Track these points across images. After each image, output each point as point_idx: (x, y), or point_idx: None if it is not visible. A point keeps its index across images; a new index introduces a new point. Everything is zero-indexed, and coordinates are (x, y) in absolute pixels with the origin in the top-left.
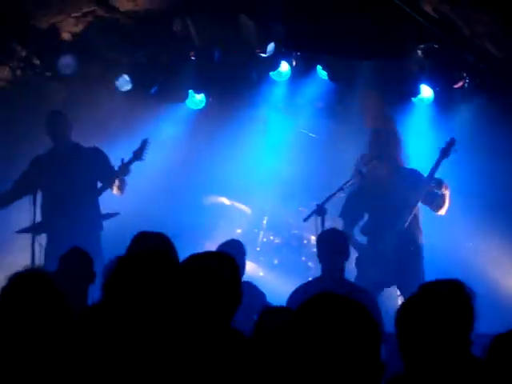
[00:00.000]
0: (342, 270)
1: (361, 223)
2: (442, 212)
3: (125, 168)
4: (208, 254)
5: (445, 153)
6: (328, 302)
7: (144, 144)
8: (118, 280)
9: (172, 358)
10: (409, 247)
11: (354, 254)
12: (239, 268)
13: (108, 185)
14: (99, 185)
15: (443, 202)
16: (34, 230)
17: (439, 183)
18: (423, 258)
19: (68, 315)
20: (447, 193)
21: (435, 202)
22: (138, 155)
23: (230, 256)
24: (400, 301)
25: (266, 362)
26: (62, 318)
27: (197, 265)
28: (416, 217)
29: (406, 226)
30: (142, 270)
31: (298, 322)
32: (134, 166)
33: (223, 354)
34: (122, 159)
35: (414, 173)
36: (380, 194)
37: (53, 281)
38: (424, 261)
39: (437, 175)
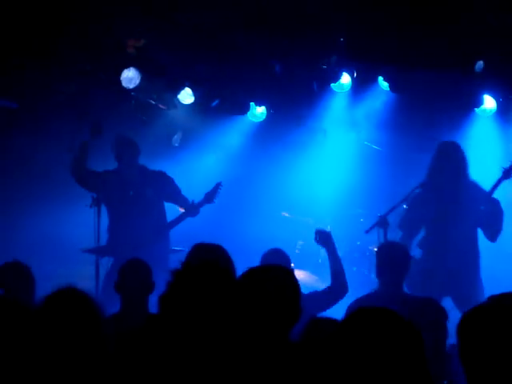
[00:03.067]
0: (401, 284)
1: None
2: (495, 238)
3: (194, 209)
4: (268, 269)
5: (507, 173)
6: (366, 318)
7: (216, 187)
8: (173, 293)
9: (229, 373)
10: (467, 260)
11: None
12: (298, 283)
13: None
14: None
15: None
16: (99, 251)
17: (495, 204)
18: (480, 270)
19: (99, 336)
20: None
21: (490, 225)
22: (209, 198)
23: (290, 270)
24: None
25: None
26: (93, 338)
27: (257, 279)
28: (475, 229)
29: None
30: (198, 283)
31: (337, 337)
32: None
33: (280, 369)
34: (193, 200)
35: (475, 186)
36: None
37: (89, 301)
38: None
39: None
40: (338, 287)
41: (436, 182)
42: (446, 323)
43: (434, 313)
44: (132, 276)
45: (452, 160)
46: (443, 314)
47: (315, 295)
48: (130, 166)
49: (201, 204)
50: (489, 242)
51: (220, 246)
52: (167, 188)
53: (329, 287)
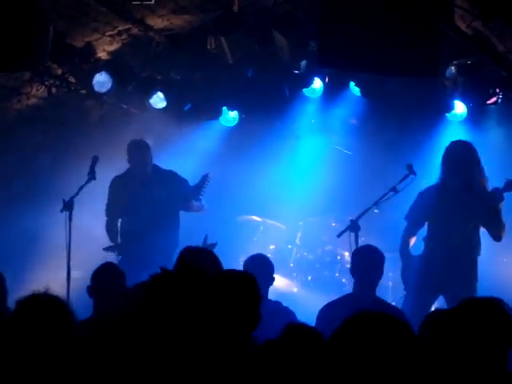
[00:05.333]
0: (374, 288)
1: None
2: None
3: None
4: (231, 275)
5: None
6: (372, 322)
7: (204, 180)
8: (149, 298)
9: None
10: (465, 258)
11: None
12: (257, 286)
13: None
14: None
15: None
16: (116, 249)
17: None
18: (476, 272)
19: (72, 341)
20: None
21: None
22: (197, 191)
23: (250, 276)
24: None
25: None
26: (66, 342)
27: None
28: (477, 229)
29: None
30: (175, 289)
31: (342, 341)
32: None
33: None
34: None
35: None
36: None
37: (63, 306)
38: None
39: None
40: None
41: (441, 181)
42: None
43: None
44: (105, 280)
45: (459, 160)
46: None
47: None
48: (141, 166)
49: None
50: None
51: (208, 251)
52: (180, 187)
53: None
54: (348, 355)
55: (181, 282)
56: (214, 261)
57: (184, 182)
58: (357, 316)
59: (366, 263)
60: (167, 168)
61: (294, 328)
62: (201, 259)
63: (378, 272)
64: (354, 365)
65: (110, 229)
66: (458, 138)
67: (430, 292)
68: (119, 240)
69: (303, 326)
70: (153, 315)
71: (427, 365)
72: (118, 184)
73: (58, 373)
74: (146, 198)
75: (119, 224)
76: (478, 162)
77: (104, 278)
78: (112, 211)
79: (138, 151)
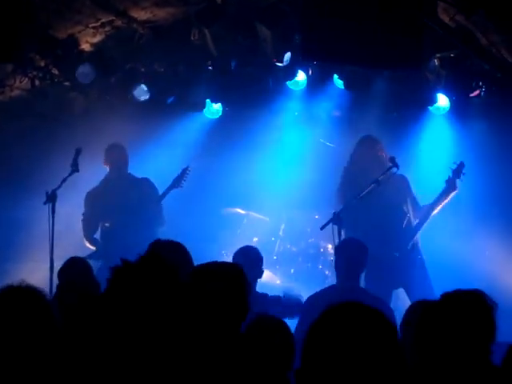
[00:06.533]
0: (358, 279)
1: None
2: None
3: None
4: (213, 264)
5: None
6: (351, 312)
7: (184, 172)
8: (111, 291)
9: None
10: (412, 250)
11: None
12: (245, 276)
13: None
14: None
15: None
16: (95, 257)
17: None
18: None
19: (53, 331)
20: None
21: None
22: (176, 183)
23: (237, 266)
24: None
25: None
26: (47, 332)
27: (200, 275)
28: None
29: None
30: (136, 280)
31: (321, 331)
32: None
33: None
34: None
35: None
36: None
37: (40, 297)
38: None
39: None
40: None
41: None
42: (395, 323)
43: (385, 311)
44: (71, 276)
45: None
46: (392, 313)
47: (275, 301)
48: (117, 166)
49: (169, 189)
50: None
51: (178, 243)
52: (151, 194)
53: (295, 306)
54: (326, 346)
55: (143, 271)
56: (184, 252)
57: (156, 190)
58: (336, 307)
59: (350, 256)
60: (142, 176)
61: (261, 320)
62: (170, 251)
63: (361, 264)
64: (331, 356)
65: (89, 241)
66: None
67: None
68: (100, 245)
69: (269, 318)
70: (117, 308)
71: (403, 358)
72: (92, 197)
73: (34, 366)
74: (123, 202)
75: (100, 229)
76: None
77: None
78: (88, 224)
79: (115, 150)
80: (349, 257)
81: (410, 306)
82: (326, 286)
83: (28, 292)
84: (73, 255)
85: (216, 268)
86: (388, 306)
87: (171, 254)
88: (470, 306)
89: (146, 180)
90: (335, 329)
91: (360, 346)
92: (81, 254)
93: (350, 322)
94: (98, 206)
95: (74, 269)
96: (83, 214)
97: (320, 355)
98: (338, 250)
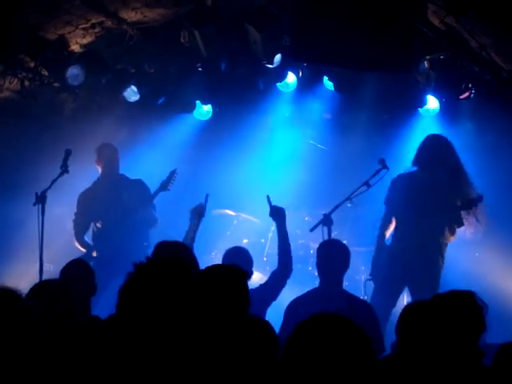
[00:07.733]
0: (340, 281)
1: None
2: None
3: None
4: (218, 267)
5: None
6: (321, 328)
7: (171, 175)
8: (133, 285)
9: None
10: (432, 250)
11: None
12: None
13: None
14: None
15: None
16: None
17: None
18: (443, 261)
19: (35, 332)
20: None
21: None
22: (164, 186)
23: (241, 271)
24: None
25: None
26: (28, 335)
27: (211, 276)
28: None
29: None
30: (159, 276)
31: (293, 348)
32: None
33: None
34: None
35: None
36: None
37: (16, 297)
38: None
39: None
40: (282, 267)
41: (414, 171)
42: (379, 324)
43: (367, 313)
44: (74, 277)
45: (434, 153)
46: (375, 316)
47: (264, 286)
48: (112, 173)
49: (156, 192)
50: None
51: (184, 244)
52: (143, 195)
53: (273, 272)
54: (301, 360)
55: (165, 269)
56: (189, 253)
57: (148, 191)
58: (307, 321)
59: (329, 257)
60: (134, 177)
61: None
62: (176, 251)
63: (342, 266)
64: (306, 369)
65: (79, 241)
66: (430, 133)
67: (398, 283)
68: (92, 246)
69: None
70: (138, 304)
71: (377, 367)
72: (84, 197)
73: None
74: (114, 202)
75: (91, 230)
76: (450, 157)
77: (73, 275)
78: (80, 224)
79: (107, 149)
80: (328, 258)
81: (405, 307)
82: (313, 287)
83: (2, 293)
84: (63, 256)
85: (224, 267)
86: (373, 312)
87: (177, 254)
88: (459, 306)
89: (139, 181)
90: (306, 345)
91: (330, 361)
92: (71, 256)
93: (319, 339)
94: (89, 206)
95: (78, 271)
96: (75, 214)
97: (294, 369)
98: (318, 251)
